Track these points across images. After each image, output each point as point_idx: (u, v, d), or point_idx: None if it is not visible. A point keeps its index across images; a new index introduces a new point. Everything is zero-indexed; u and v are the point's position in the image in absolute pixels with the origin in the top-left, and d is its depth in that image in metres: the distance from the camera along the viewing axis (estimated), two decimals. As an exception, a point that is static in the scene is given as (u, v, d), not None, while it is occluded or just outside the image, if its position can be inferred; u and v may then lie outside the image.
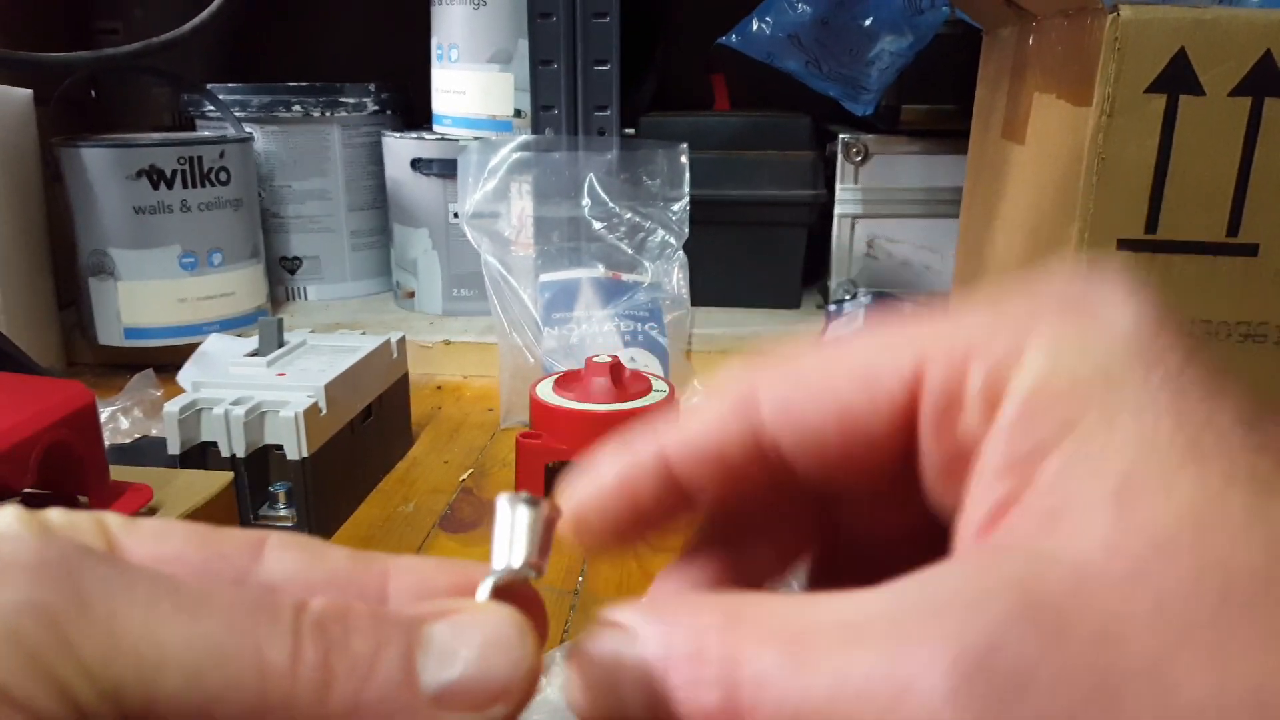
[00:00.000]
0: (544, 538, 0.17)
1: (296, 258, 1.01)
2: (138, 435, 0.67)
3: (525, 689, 0.15)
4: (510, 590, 0.16)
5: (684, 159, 0.82)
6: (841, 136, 0.90)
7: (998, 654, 0.12)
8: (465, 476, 0.65)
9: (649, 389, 0.62)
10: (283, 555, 0.17)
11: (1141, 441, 0.13)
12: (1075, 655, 0.12)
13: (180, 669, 0.13)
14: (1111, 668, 0.11)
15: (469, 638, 0.15)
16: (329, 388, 0.54)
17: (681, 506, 0.17)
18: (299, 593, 0.15)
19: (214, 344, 0.67)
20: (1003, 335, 0.14)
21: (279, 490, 0.53)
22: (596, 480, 0.17)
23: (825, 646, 0.13)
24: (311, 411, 0.53)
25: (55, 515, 0.15)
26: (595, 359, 0.61)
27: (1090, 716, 0.11)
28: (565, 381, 0.63)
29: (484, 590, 0.17)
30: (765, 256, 0.95)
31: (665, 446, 0.17)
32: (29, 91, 0.83)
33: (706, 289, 0.94)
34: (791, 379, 0.16)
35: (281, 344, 0.59)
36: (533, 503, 0.17)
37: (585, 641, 0.16)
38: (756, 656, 0.14)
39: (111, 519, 0.17)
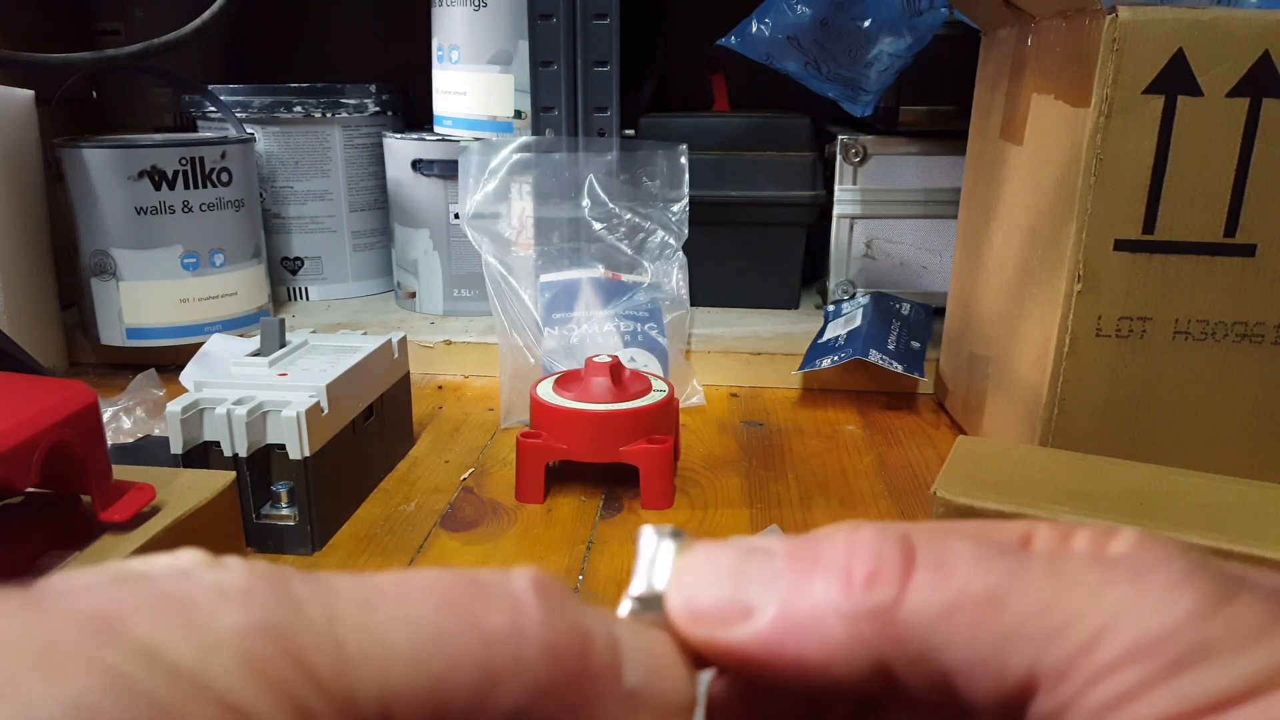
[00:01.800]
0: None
1: (298, 258, 1.01)
2: (140, 435, 0.67)
3: (692, 709, 0.15)
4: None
5: (683, 160, 0.82)
6: (840, 137, 0.91)
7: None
8: (466, 476, 0.65)
9: (649, 389, 0.62)
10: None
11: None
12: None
13: (405, 659, 0.13)
14: None
15: (651, 650, 0.15)
16: (331, 388, 0.55)
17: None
18: None
19: (216, 344, 0.68)
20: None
21: (281, 489, 0.54)
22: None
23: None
24: (313, 411, 0.53)
25: None
26: (595, 359, 0.61)
27: None
28: (565, 381, 0.63)
29: (623, 611, 0.16)
30: (764, 257, 0.96)
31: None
32: (30, 92, 0.84)
33: (706, 289, 0.94)
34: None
35: (283, 344, 0.59)
36: (677, 535, 0.17)
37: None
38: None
39: None
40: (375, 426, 0.62)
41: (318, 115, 0.96)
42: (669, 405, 0.62)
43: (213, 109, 0.94)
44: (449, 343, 0.86)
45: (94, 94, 1.08)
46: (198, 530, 0.44)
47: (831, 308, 0.91)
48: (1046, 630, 0.13)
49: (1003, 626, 0.14)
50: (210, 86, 0.94)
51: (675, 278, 0.82)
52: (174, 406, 0.52)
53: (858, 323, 0.82)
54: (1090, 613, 0.13)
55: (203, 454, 0.52)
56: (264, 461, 0.54)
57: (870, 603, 0.14)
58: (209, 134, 0.96)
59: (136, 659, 0.12)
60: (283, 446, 0.53)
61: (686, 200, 0.82)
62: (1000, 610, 0.14)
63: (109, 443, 0.53)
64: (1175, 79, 0.52)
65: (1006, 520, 0.16)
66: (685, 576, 0.16)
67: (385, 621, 0.13)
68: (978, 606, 0.14)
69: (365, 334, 0.65)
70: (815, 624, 0.14)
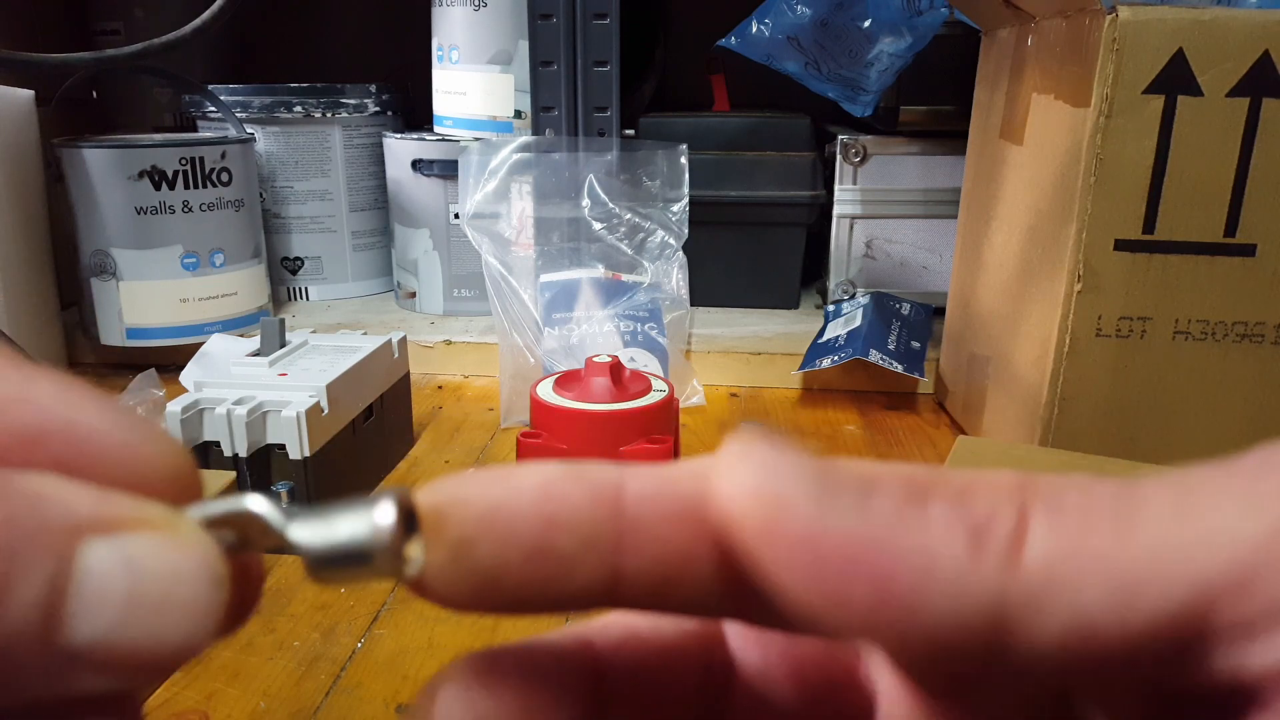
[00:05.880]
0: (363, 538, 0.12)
1: (298, 258, 1.01)
2: (140, 435, 0.67)
3: (184, 659, 0.11)
4: (240, 541, 0.12)
5: (683, 160, 0.82)
6: (840, 137, 0.91)
7: None
8: (466, 476, 0.65)
9: (649, 389, 0.62)
10: None
11: None
12: None
13: None
14: None
15: (138, 574, 0.10)
16: (331, 388, 0.55)
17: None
18: None
19: (216, 344, 0.68)
20: None
21: (281, 490, 0.54)
22: (506, 481, 0.12)
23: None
24: (313, 411, 0.53)
25: None
26: (595, 359, 0.61)
27: None
28: (565, 381, 0.63)
29: (201, 509, 0.12)
30: (764, 257, 0.96)
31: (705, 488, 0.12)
32: (30, 92, 0.84)
33: (706, 289, 0.94)
34: None
35: (283, 344, 0.59)
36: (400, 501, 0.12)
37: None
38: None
39: None
40: (375, 427, 0.62)
41: (318, 115, 0.96)
42: (669, 405, 0.62)
43: (213, 109, 0.94)
44: (449, 343, 0.86)
45: (94, 94, 1.08)
46: (198, 530, 0.44)
47: (831, 308, 0.91)
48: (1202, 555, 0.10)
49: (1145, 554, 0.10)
50: (210, 86, 0.94)
51: (675, 278, 0.82)
52: (174, 407, 0.52)
53: (858, 323, 0.82)
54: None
55: (203, 454, 0.52)
56: (264, 462, 0.54)
57: (996, 544, 0.11)
58: (209, 134, 0.96)
59: None
60: (283, 447, 0.53)
61: (686, 200, 0.82)
62: (1131, 539, 0.11)
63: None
64: (1175, 79, 0.52)
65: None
66: (759, 456, 0.11)
67: None
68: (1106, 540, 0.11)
69: (365, 334, 0.65)
70: (932, 565, 0.11)
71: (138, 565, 0.10)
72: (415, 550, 0.12)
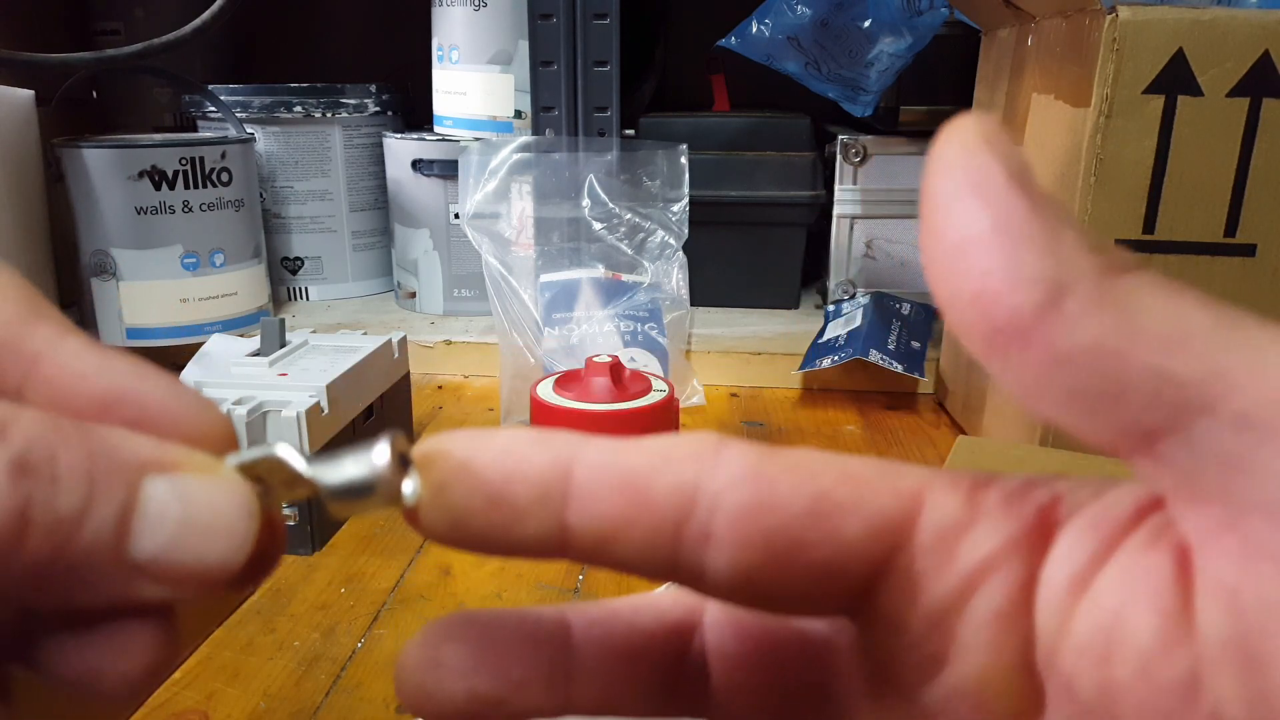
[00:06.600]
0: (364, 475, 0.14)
1: (298, 258, 1.01)
2: (140, 435, 0.67)
3: (221, 581, 0.14)
4: (267, 489, 0.15)
5: (684, 160, 0.82)
6: (840, 137, 0.91)
7: None
8: (466, 476, 0.65)
9: (649, 389, 0.62)
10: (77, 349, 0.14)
11: None
12: None
13: None
14: None
15: (189, 504, 0.13)
16: (331, 388, 0.55)
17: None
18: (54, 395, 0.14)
19: (216, 344, 0.68)
20: None
21: (281, 490, 0.54)
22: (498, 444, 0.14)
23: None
24: (313, 411, 0.53)
25: None
26: (595, 359, 0.61)
27: None
28: (565, 381, 0.63)
29: (237, 458, 0.15)
30: (764, 257, 0.96)
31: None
32: (30, 92, 0.84)
33: (706, 289, 0.94)
34: None
35: (283, 344, 0.59)
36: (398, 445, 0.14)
37: None
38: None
39: None
40: (375, 427, 0.62)
41: (318, 115, 0.96)
42: (669, 405, 0.62)
43: (213, 109, 0.94)
44: (449, 343, 0.86)
45: (94, 94, 1.08)
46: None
47: (831, 308, 0.91)
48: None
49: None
50: (210, 86, 0.94)
51: (675, 278, 0.82)
52: (174, 406, 0.52)
53: (858, 323, 0.82)
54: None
55: (203, 454, 0.52)
56: (264, 461, 0.54)
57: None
58: (209, 134, 0.96)
59: None
60: (283, 446, 0.53)
61: (686, 200, 0.82)
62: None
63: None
64: (1175, 79, 0.52)
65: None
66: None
67: None
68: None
69: (365, 334, 0.65)
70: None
71: (188, 497, 0.13)
72: (411, 485, 0.14)
